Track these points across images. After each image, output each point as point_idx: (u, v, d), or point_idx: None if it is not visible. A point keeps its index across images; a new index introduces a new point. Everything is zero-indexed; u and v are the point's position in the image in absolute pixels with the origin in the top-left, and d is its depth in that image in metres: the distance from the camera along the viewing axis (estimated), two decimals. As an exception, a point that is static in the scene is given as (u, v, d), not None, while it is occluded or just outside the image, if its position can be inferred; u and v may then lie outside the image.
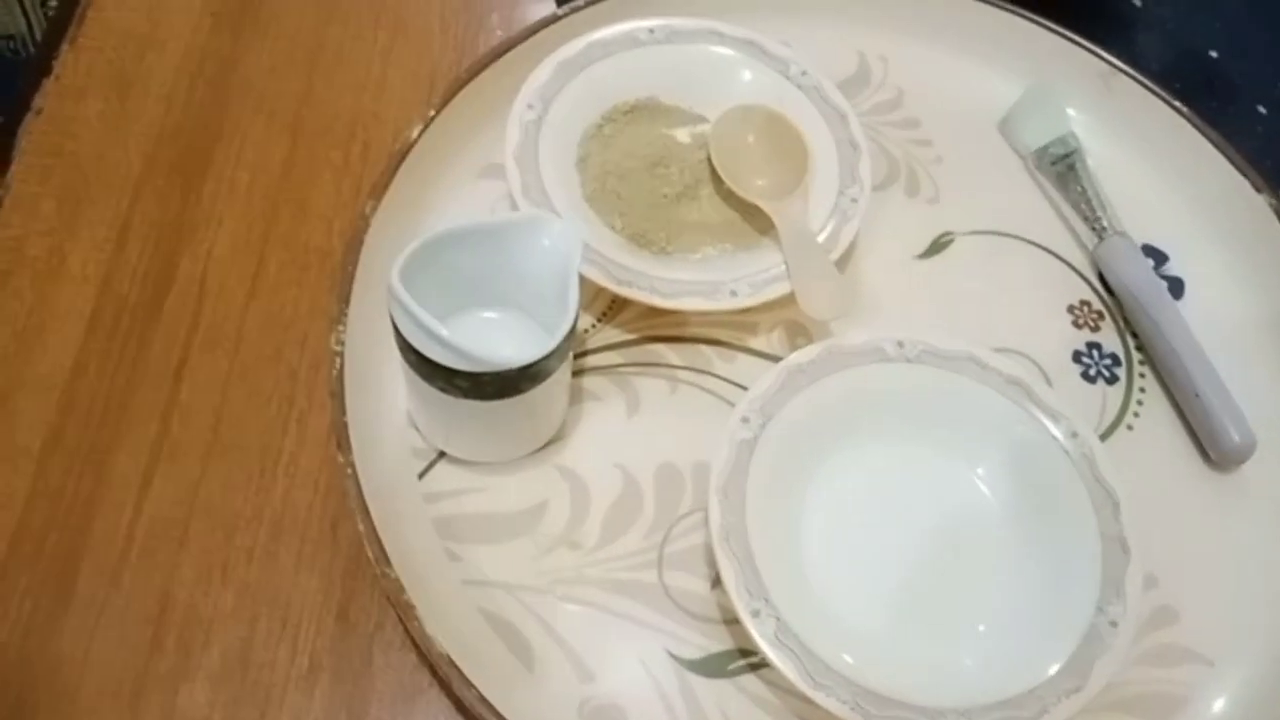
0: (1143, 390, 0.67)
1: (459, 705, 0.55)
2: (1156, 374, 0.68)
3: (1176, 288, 0.72)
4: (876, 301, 0.69)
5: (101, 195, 0.70)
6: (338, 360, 0.59)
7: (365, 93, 0.76)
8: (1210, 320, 0.69)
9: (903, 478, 0.61)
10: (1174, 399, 0.67)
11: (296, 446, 0.62)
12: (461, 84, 0.70)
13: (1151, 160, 0.76)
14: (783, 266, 0.65)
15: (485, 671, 0.53)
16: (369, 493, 0.56)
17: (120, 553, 0.59)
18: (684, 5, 0.73)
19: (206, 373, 0.64)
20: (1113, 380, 0.68)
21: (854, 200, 0.68)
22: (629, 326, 0.66)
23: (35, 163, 0.71)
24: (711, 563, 0.58)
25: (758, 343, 0.67)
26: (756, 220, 0.68)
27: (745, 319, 0.67)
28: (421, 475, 0.60)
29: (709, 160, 0.69)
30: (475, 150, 0.71)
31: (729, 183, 0.68)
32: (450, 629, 0.54)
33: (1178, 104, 0.75)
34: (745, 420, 0.59)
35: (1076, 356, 0.68)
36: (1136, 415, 0.67)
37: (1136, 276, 0.69)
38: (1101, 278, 0.71)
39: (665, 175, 0.69)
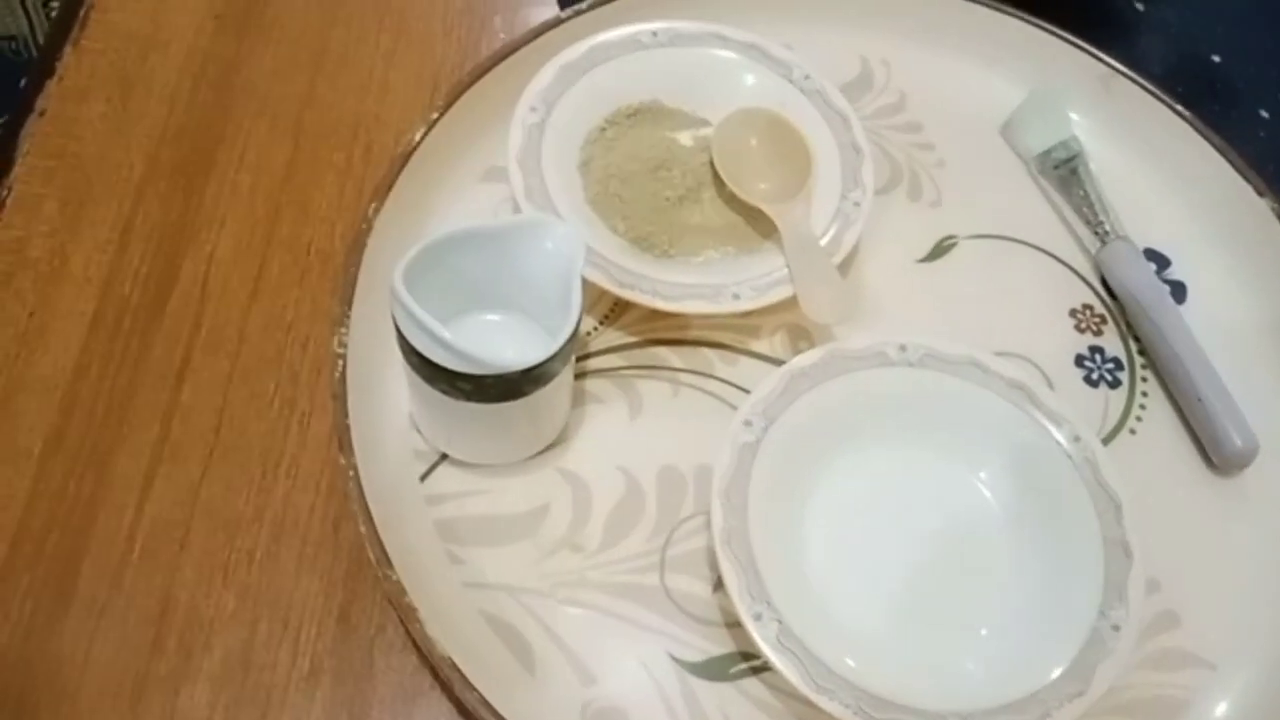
0: (1145, 394, 0.67)
1: (460, 708, 0.55)
2: (1159, 378, 0.68)
3: (1179, 292, 0.72)
4: (879, 305, 0.69)
5: (104, 197, 0.70)
6: (340, 362, 0.59)
7: (368, 95, 0.76)
8: (1213, 324, 0.69)
9: (905, 481, 0.61)
10: (1176, 403, 0.67)
11: (298, 448, 0.62)
12: (464, 87, 0.70)
13: (1154, 164, 0.76)
14: (785, 270, 0.65)
15: (487, 674, 0.52)
16: (371, 495, 0.56)
17: (121, 554, 0.59)
18: (687, 9, 0.73)
19: (208, 374, 0.64)
20: (1115, 384, 0.68)
21: (856, 204, 0.68)
22: (631, 329, 0.66)
23: (38, 164, 0.71)
24: (713, 566, 0.58)
25: (760, 346, 0.66)
26: (759, 224, 0.68)
27: (747, 322, 0.67)
28: (423, 478, 0.60)
29: (711, 164, 0.69)
30: (478, 153, 0.71)
31: (731, 186, 0.68)
32: (452, 632, 0.54)
33: (1180, 108, 0.75)
34: (748, 424, 0.59)
35: (1079, 360, 0.68)
36: (1139, 419, 0.67)
37: (1139, 280, 0.69)
38: (1104, 282, 0.71)
39: (668, 178, 0.69)
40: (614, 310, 0.67)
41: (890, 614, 0.57)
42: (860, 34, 0.79)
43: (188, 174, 0.71)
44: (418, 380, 0.54)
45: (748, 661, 0.57)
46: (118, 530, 0.59)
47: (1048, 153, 0.74)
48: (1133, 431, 0.66)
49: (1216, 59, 0.86)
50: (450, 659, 0.52)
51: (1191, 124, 0.74)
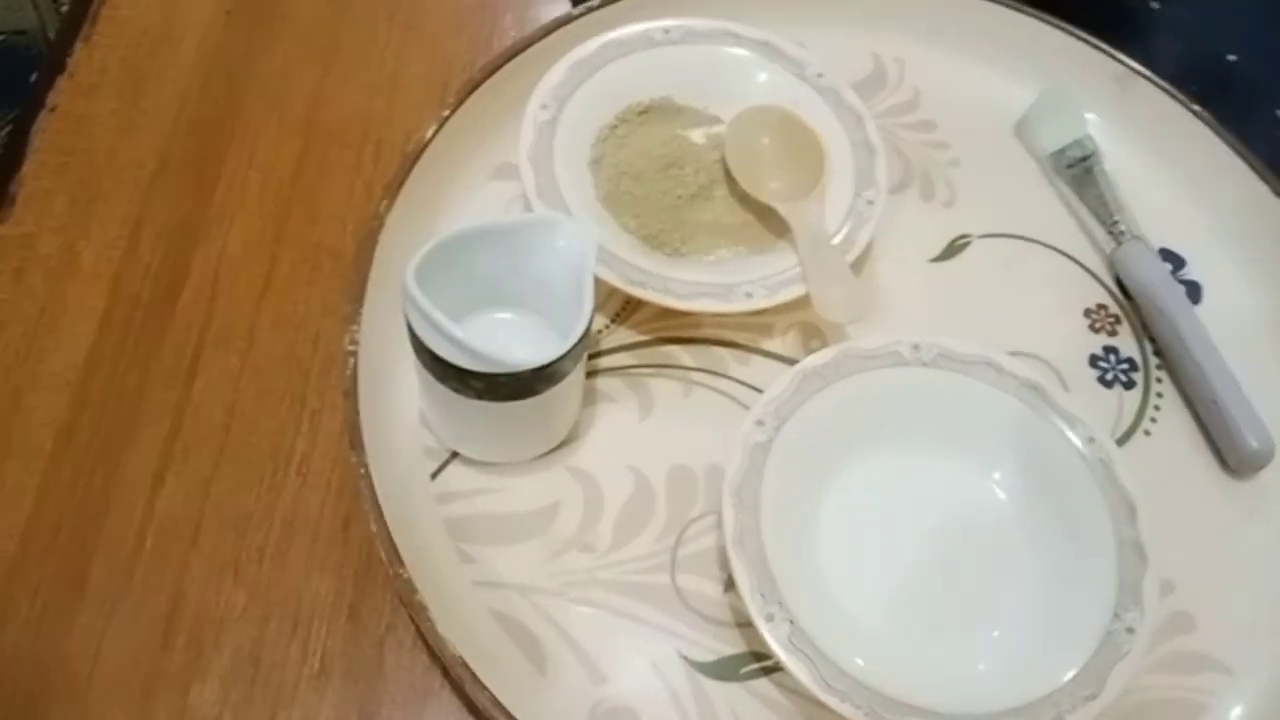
0: (1160, 395, 0.67)
1: (471, 707, 0.55)
2: (1174, 379, 0.67)
3: (1194, 292, 0.71)
4: (892, 304, 0.68)
5: (114, 193, 0.70)
6: (351, 360, 0.59)
7: (379, 92, 0.76)
8: (1228, 325, 0.68)
9: (917, 482, 0.61)
10: (1191, 404, 0.66)
11: (309, 446, 0.62)
12: (475, 84, 0.70)
13: (1169, 164, 0.75)
14: (798, 269, 0.64)
15: (497, 673, 0.52)
16: (381, 493, 0.55)
17: (131, 551, 0.58)
18: (699, 6, 0.73)
19: (218, 371, 0.64)
20: (1130, 385, 0.67)
21: (870, 203, 0.67)
22: (643, 328, 0.66)
23: (49, 160, 0.71)
24: (724, 566, 0.58)
25: (772, 345, 0.66)
26: (771, 222, 0.68)
27: (760, 321, 0.66)
28: (434, 476, 0.60)
29: (723, 161, 0.69)
30: (489, 150, 0.70)
31: (743, 184, 0.68)
32: (462, 630, 0.53)
33: (1196, 107, 0.75)
34: (760, 423, 0.59)
35: (1093, 361, 0.68)
36: (1154, 420, 0.66)
37: (1154, 280, 0.69)
38: (1119, 281, 0.71)
39: (679, 176, 0.68)
40: (625, 308, 0.66)
41: (902, 615, 0.57)
42: (873, 32, 0.79)
43: (198, 170, 0.71)
44: (429, 378, 0.54)
45: (759, 662, 0.57)
46: (128, 527, 0.59)
47: (1062, 151, 0.74)
48: (1147, 433, 0.66)
49: (1232, 58, 0.86)
50: (461, 658, 0.52)
51: (1207, 123, 0.74)
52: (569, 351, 0.52)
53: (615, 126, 0.70)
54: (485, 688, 0.51)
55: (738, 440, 0.58)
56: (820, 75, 0.72)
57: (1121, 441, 0.65)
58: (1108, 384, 0.67)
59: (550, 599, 0.57)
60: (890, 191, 0.70)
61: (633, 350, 0.65)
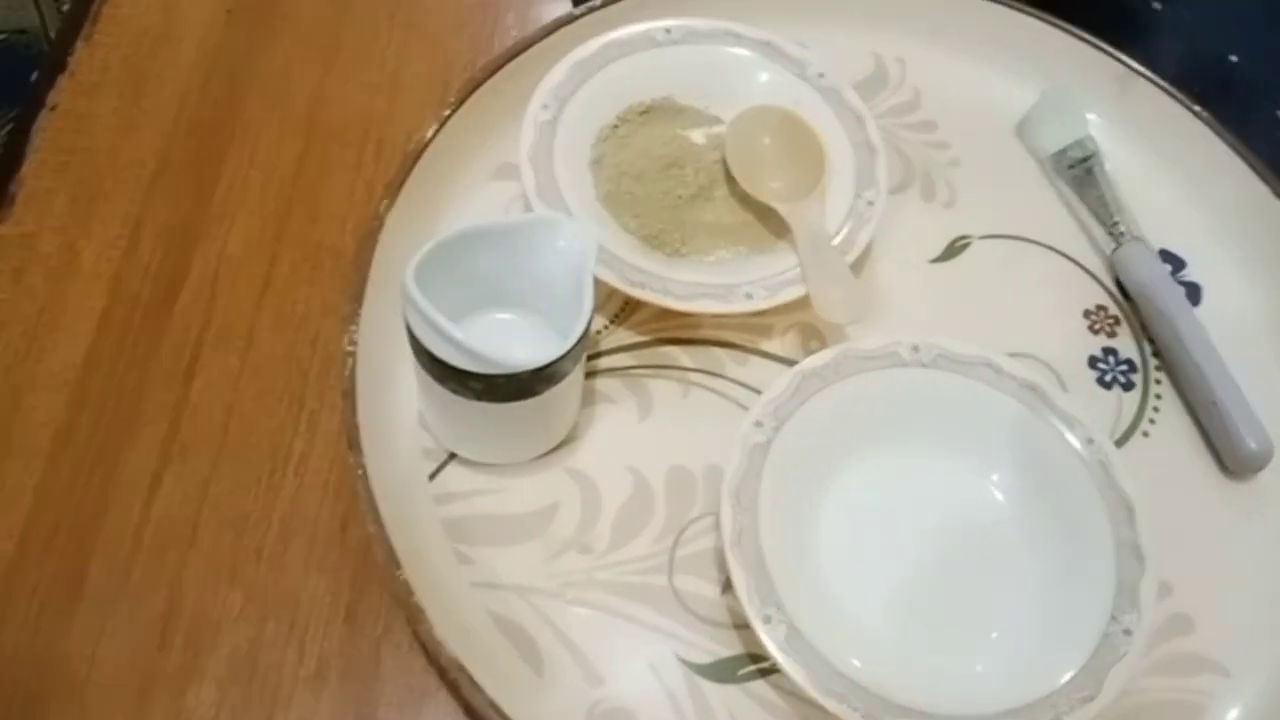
0: (1159, 397, 0.67)
1: (468, 709, 0.55)
2: (1173, 380, 0.67)
3: (1194, 293, 0.71)
4: (891, 305, 0.68)
5: (115, 192, 0.70)
6: (350, 360, 0.59)
7: (380, 92, 0.76)
8: (1228, 326, 0.68)
9: (916, 483, 0.61)
10: (1190, 406, 0.66)
11: (307, 447, 0.62)
12: (476, 84, 0.70)
13: (1169, 165, 0.75)
14: (797, 269, 0.64)
15: (494, 675, 0.52)
16: (379, 494, 0.55)
17: (129, 551, 0.58)
18: (701, 6, 0.73)
19: (217, 371, 0.64)
20: (1129, 386, 0.67)
21: (870, 203, 0.67)
22: (642, 328, 0.66)
23: (49, 159, 0.71)
24: (722, 567, 0.57)
25: (771, 346, 0.66)
26: (771, 222, 0.68)
27: (759, 322, 0.66)
28: (432, 476, 0.60)
29: (724, 162, 0.69)
30: (490, 150, 0.70)
31: (744, 185, 0.68)
32: (460, 632, 0.53)
33: (1196, 108, 0.74)
34: (758, 424, 0.59)
35: (1092, 362, 0.68)
36: (1152, 422, 0.66)
37: (1154, 282, 0.69)
38: (1118, 282, 0.71)
39: (680, 176, 0.68)
40: (625, 309, 0.66)
41: (900, 616, 0.57)
42: (875, 32, 0.79)
43: (199, 170, 0.71)
44: (428, 379, 0.54)
45: (756, 663, 0.57)
46: (126, 527, 0.59)
47: (1063, 152, 0.74)
48: (1146, 434, 0.66)
49: (1234, 59, 0.86)
50: (457, 660, 0.52)
51: (1208, 124, 0.74)
52: (568, 352, 0.52)
53: (616, 126, 0.70)
54: (482, 690, 0.51)
55: (736, 441, 0.58)
56: (821, 75, 0.72)
57: (1120, 443, 0.65)
58: (1107, 385, 0.67)
59: (548, 600, 0.57)
60: (891, 192, 0.70)
61: (632, 351, 0.65)
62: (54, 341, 0.64)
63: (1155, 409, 0.66)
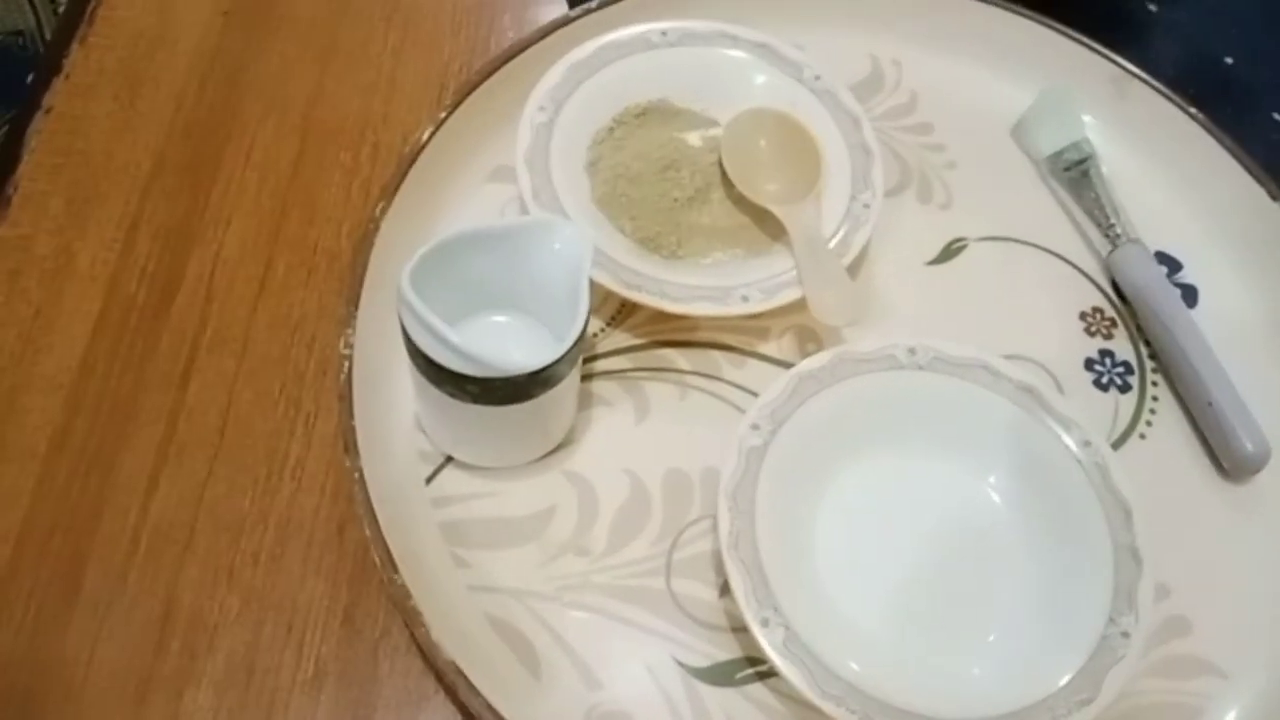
0: (1155, 399, 0.67)
1: (465, 712, 0.55)
2: (1169, 382, 0.67)
3: (1190, 295, 0.71)
4: (888, 307, 0.68)
5: (110, 195, 0.69)
6: (346, 363, 0.59)
7: (376, 94, 0.75)
8: (1224, 328, 0.68)
9: (913, 485, 0.61)
10: (1187, 408, 0.66)
11: (303, 450, 0.62)
12: (473, 86, 0.70)
13: (1165, 167, 0.75)
14: (794, 272, 0.64)
15: (492, 678, 0.52)
16: (376, 497, 0.55)
17: (126, 555, 0.58)
18: (697, 8, 0.73)
19: (214, 374, 0.64)
20: (1125, 388, 0.67)
21: (866, 205, 0.67)
22: (638, 331, 0.66)
23: (45, 161, 0.70)
24: (720, 570, 0.58)
25: (768, 348, 0.66)
26: (768, 225, 0.67)
27: (756, 324, 0.66)
28: (429, 480, 0.60)
29: (720, 164, 0.69)
30: (486, 153, 0.70)
31: (740, 187, 0.68)
32: (457, 635, 0.53)
33: (1192, 110, 0.74)
34: (755, 427, 0.59)
35: (1089, 364, 0.68)
36: (1149, 424, 0.66)
37: (1150, 284, 0.69)
38: (1115, 285, 0.71)
39: (676, 179, 0.68)
40: (621, 311, 0.66)
41: (898, 619, 0.57)
42: (871, 34, 0.79)
43: (194, 172, 0.71)
44: (424, 382, 0.54)
45: (754, 667, 0.57)
46: (122, 531, 0.59)
47: (1059, 154, 0.74)
48: (1143, 436, 0.66)
49: (1230, 61, 0.86)
50: (454, 663, 0.52)
51: (1204, 126, 0.74)
52: (564, 355, 0.52)
53: (612, 129, 0.70)
54: (479, 693, 0.51)
55: (733, 444, 0.58)
56: (818, 78, 0.72)
57: (1117, 445, 0.65)
58: (1103, 387, 0.67)
59: (545, 603, 0.57)
60: (887, 194, 0.70)
61: (628, 354, 0.65)
62: (50, 344, 0.64)
63: (1152, 411, 0.66)
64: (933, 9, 0.79)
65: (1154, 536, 0.57)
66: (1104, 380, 0.67)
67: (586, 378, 0.63)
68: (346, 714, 0.55)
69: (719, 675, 0.57)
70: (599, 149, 0.69)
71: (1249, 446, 0.63)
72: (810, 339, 0.66)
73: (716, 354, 0.66)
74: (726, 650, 0.57)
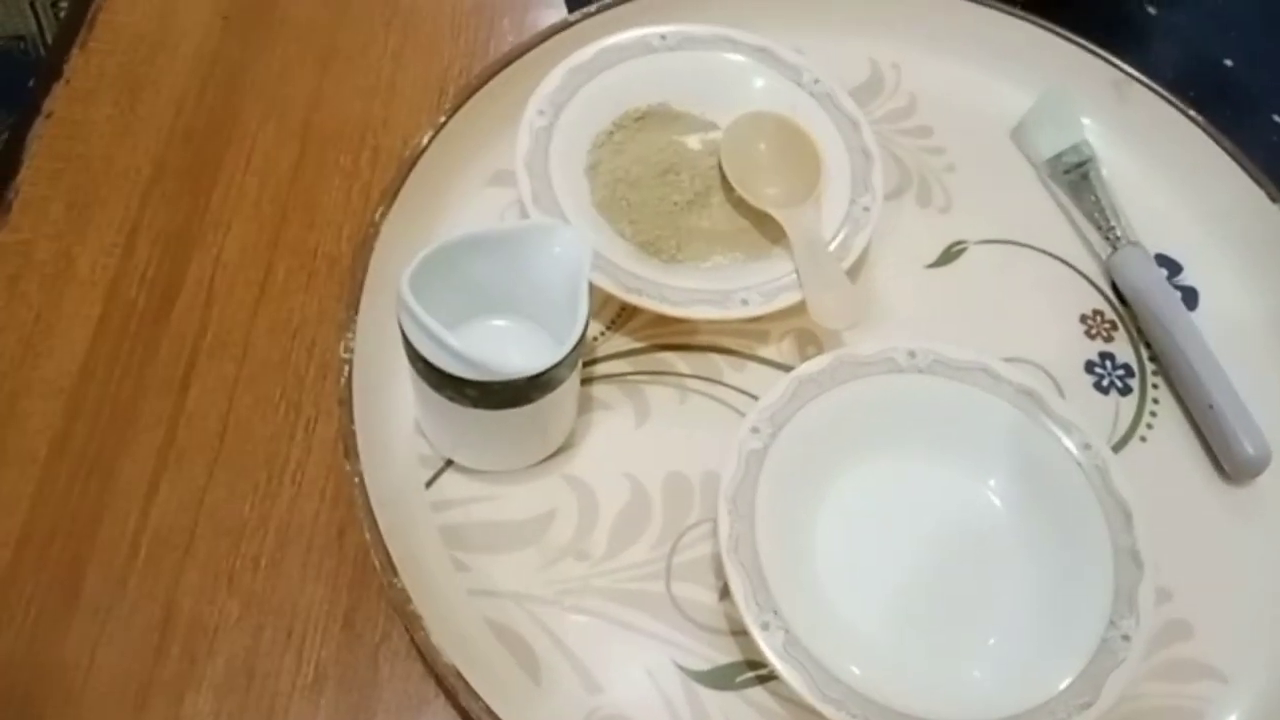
0: (1156, 401, 0.67)
1: (465, 716, 0.55)
2: (1170, 385, 0.67)
3: (1190, 298, 0.71)
4: (888, 311, 0.68)
5: (111, 199, 0.69)
6: (346, 368, 0.59)
7: (376, 98, 0.75)
8: (1224, 331, 0.68)
9: (913, 489, 0.61)
10: (1188, 410, 0.66)
11: (303, 454, 0.62)
12: (472, 90, 0.70)
13: (1165, 169, 0.75)
14: (793, 275, 0.64)
15: (491, 682, 0.52)
16: (376, 501, 0.55)
17: (125, 559, 0.58)
18: (697, 12, 0.73)
19: (214, 379, 0.64)
20: (1126, 391, 0.67)
21: (866, 209, 0.67)
22: (638, 334, 0.66)
23: (45, 166, 0.70)
24: (720, 574, 0.57)
25: (768, 351, 0.66)
26: (767, 228, 0.67)
27: (755, 327, 0.66)
28: (429, 484, 0.60)
29: (720, 168, 0.69)
30: (486, 157, 0.70)
31: (739, 190, 0.68)
32: (457, 639, 0.53)
33: (1192, 113, 0.74)
34: (755, 430, 0.59)
35: (1089, 367, 0.68)
36: (1150, 427, 0.66)
37: (1150, 286, 0.69)
38: (1115, 287, 0.71)
39: (676, 182, 0.68)
40: (621, 315, 0.66)
41: (898, 622, 0.57)
42: (870, 38, 0.79)
43: (194, 177, 0.71)
44: (424, 386, 0.54)
45: (754, 670, 0.57)
46: (122, 535, 0.59)
47: (1059, 157, 0.74)
48: (1143, 439, 0.66)
49: (1229, 63, 0.86)
50: (455, 667, 0.52)
51: (1204, 129, 0.74)
52: (564, 359, 0.52)
53: (612, 133, 0.70)
54: (479, 697, 0.51)
55: (733, 447, 0.58)
56: (817, 81, 0.72)
57: (1117, 448, 0.65)
58: (1104, 390, 0.67)
59: (545, 607, 0.57)
60: (886, 197, 0.70)
61: (628, 357, 0.65)
62: (50, 349, 0.64)
63: (1152, 414, 0.66)
64: (932, 12, 0.79)
65: (1155, 539, 0.57)
66: (1104, 383, 0.67)
67: (586, 381, 0.63)
68: (346, 718, 0.55)
69: (719, 679, 0.56)
70: (598, 153, 0.69)
71: (1250, 449, 0.63)
72: (810, 342, 0.66)
73: (716, 357, 0.66)
74: (726, 654, 0.57)
